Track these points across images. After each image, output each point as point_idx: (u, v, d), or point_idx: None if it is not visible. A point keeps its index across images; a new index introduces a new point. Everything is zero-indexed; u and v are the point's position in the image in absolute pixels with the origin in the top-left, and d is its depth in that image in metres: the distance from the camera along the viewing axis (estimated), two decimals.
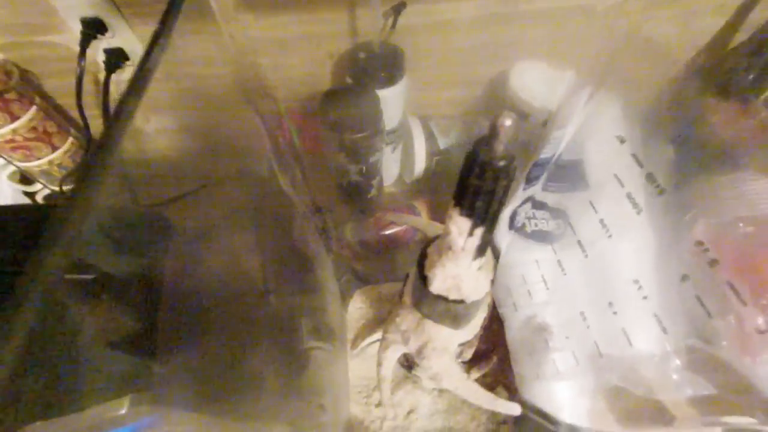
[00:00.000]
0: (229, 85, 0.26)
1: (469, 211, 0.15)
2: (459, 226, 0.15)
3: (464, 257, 0.17)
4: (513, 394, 0.35)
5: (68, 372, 0.21)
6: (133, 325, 0.24)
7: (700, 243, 0.19)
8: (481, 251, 0.17)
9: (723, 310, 0.18)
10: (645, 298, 0.20)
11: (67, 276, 0.22)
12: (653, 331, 0.20)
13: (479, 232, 0.15)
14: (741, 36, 0.33)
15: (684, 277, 0.19)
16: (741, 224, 0.25)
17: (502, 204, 0.14)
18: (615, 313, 0.23)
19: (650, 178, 0.19)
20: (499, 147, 0.12)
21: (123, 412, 0.21)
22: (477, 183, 0.13)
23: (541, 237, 0.37)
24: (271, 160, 0.32)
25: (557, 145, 0.29)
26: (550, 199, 0.37)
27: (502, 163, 0.12)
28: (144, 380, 0.23)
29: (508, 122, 0.11)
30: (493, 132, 0.12)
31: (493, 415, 0.35)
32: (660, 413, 0.31)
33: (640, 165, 0.20)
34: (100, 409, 0.21)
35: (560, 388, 0.32)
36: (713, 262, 0.18)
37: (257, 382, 0.29)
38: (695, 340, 0.22)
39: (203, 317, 0.29)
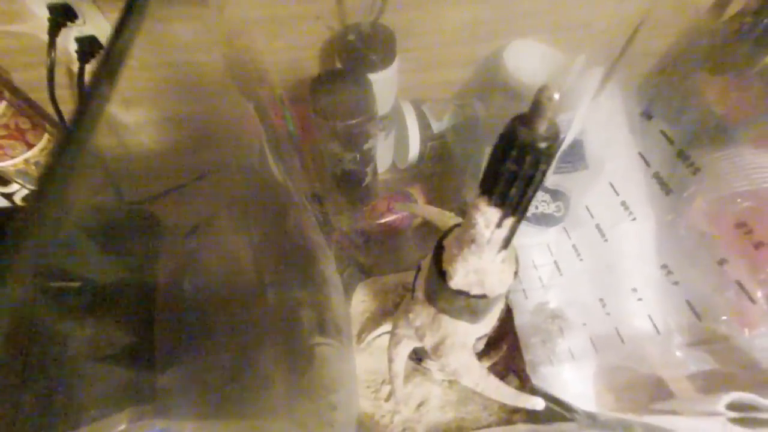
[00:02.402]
0: (218, 71, 0.24)
1: (500, 201, 0.13)
2: (487, 217, 0.14)
3: (489, 250, 0.15)
4: (524, 381, 0.34)
5: (60, 389, 0.20)
6: (127, 333, 0.22)
7: (742, 224, 0.18)
8: (507, 243, 0.15)
9: (756, 297, 0.17)
10: (676, 283, 0.20)
11: (51, 284, 0.20)
12: (685, 319, 0.19)
13: (509, 222, 0.14)
14: (734, 8, 0.32)
15: (722, 261, 0.18)
16: (739, 199, 0.25)
17: (537, 190, 0.13)
18: (640, 299, 0.22)
19: (683, 155, 0.18)
20: (543, 125, 0.11)
21: (122, 427, 0.20)
22: (513, 168, 0.12)
23: (542, 220, 0.36)
24: (265, 149, 0.31)
25: (566, 128, 0.27)
26: (548, 180, 0.36)
27: (544, 145, 0.11)
28: (144, 392, 0.21)
29: (556, 95, 0.10)
30: (538, 108, 0.10)
31: (506, 404, 0.35)
32: (659, 390, 0.31)
33: (671, 142, 0.19)
34: (97, 426, 0.20)
35: (571, 374, 0.32)
36: (759, 245, 0.17)
37: (263, 383, 0.28)
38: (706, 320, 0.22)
39: (202, 319, 0.27)
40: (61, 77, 0.42)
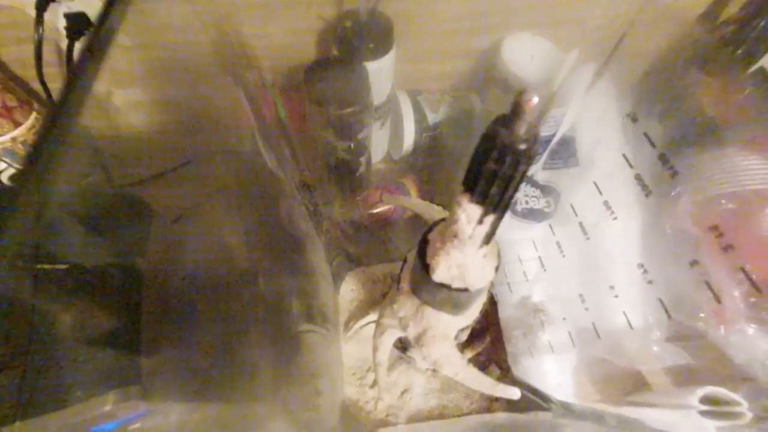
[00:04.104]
0: (207, 54, 0.23)
1: (481, 198, 0.14)
2: (468, 213, 0.14)
3: (471, 245, 0.16)
4: (505, 372, 0.35)
5: (47, 370, 0.20)
6: (114, 317, 0.23)
7: (714, 227, 0.19)
8: (488, 239, 0.16)
9: (732, 296, 0.18)
10: (650, 282, 0.20)
11: (38, 267, 0.20)
12: (657, 316, 0.20)
13: (490, 219, 0.15)
14: (731, 10, 0.33)
15: (694, 263, 0.19)
16: (723, 200, 0.25)
17: (517, 189, 0.13)
18: (617, 296, 0.23)
19: (664, 158, 0.19)
20: (522, 128, 0.11)
21: (108, 408, 0.20)
22: (494, 168, 0.12)
23: (531, 215, 0.36)
24: (256, 135, 0.30)
25: (557, 124, 0.28)
26: (540, 176, 0.37)
27: (523, 146, 0.11)
28: (130, 374, 0.22)
29: (535, 99, 0.10)
30: (517, 111, 0.10)
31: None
32: (636, 383, 0.32)
33: (653, 145, 0.19)
34: (84, 406, 0.20)
35: (551, 366, 0.33)
36: (728, 248, 0.17)
37: (249, 368, 0.28)
38: (677, 315, 0.23)
39: (190, 304, 0.27)
40: (49, 54, 0.41)
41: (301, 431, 0.29)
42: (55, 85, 0.43)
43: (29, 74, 0.45)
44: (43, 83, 0.42)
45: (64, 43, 0.40)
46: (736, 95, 0.28)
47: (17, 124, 0.44)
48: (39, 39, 0.38)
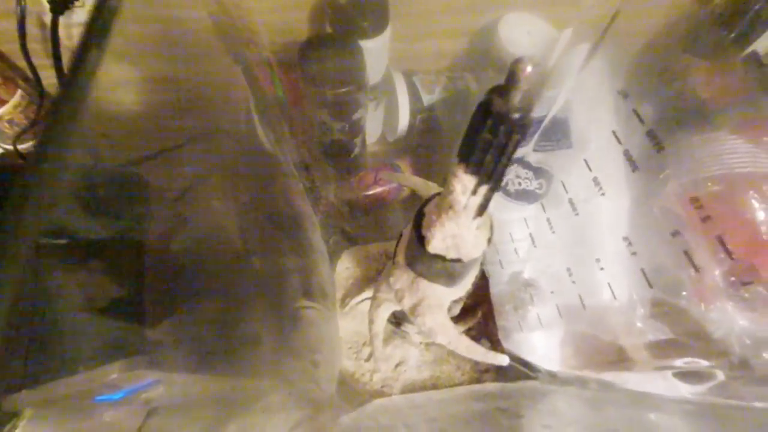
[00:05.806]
0: (206, 30, 0.23)
1: (476, 168, 0.14)
2: (464, 183, 0.15)
3: (465, 216, 0.16)
4: (495, 345, 0.37)
5: (52, 340, 0.20)
6: (118, 290, 0.23)
7: (695, 199, 0.19)
8: (482, 210, 0.16)
9: (710, 265, 0.19)
10: (634, 254, 0.21)
11: (40, 241, 0.21)
12: (639, 286, 0.21)
13: (483, 190, 0.15)
14: None
15: (675, 233, 0.19)
16: (710, 183, 0.26)
17: (510, 160, 0.14)
18: (602, 268, 0.24)
19: (651, 134, 0.19)
20: (517, 97, 0.11)
21: (114, 377, 0.21)
22: (488, 138, 0.13)
23: (523, 196, 0.37)
24: (253, 114, 0.30)
25: (550, 105, 0.28)
26: (533, 158, 0.37)
27: (518, 116, 0.12)
28: (135, 345, 0.22)
29: (529, 68, 0.10)
30: (513, 79, 0.11)
31: (477, 364, 0.37)
32: (619, 356, 0.34)
33: (642, 121, 0.20)
34: (90, 374, 0.21)
35: (540, 339, 0.34)
36: (706, 219, 0.18)
37: (250, 341, 0.29)
38: (659, 291, 0.24)
39: (191, 280, 0.28)
40: (32, 28, 0.40)
41: (300, 401, 0.30)
42: (40, 62, 0.41)
43: (12, 49, 0.43)
44: (27, 59, 0.41)
45: (47, 18, 0.38)
46: (727, 79, 0.29)
47: (2, 102, 0.43)
48: (22, 12, 0.37)
